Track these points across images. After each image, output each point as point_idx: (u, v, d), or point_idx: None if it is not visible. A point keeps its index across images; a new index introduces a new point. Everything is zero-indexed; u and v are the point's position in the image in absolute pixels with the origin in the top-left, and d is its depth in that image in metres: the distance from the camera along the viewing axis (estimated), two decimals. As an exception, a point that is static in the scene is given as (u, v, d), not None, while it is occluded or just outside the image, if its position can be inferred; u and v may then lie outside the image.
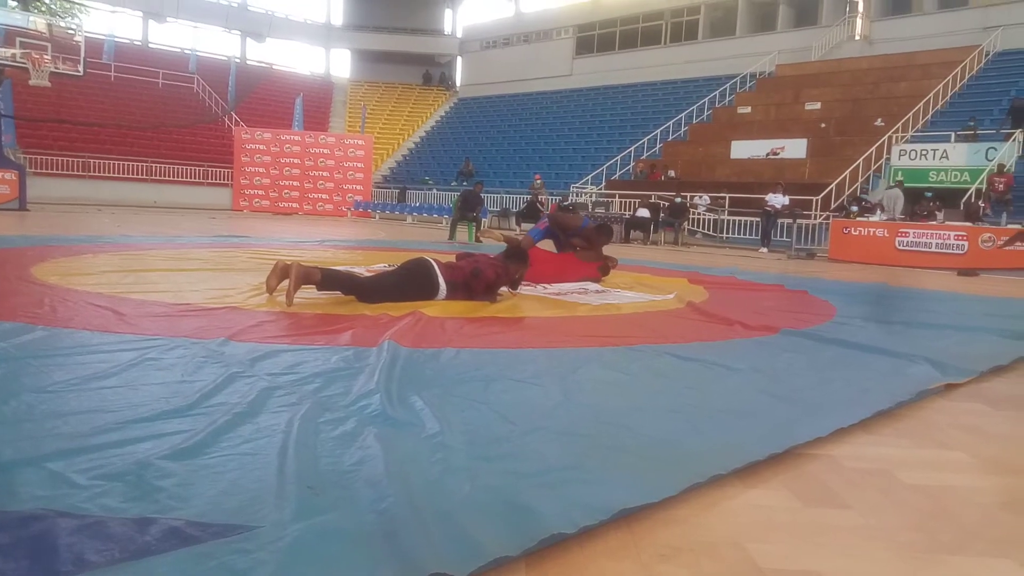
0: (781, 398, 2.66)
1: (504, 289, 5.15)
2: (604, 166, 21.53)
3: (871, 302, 6.26)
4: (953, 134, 16.19)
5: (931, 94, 18.18)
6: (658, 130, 22.61)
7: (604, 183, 20.81)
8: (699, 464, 1.90)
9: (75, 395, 2.26)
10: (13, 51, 16.25)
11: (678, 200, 16.54)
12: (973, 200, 13.75)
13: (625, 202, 18.48)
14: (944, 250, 11.43)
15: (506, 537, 1.43)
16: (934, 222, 12.05)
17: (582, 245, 6.68)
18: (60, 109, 23.41)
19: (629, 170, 21.68)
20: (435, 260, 4.85)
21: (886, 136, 16.99)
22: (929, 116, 18.10)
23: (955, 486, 1.94)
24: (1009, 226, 11.79)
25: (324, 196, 24.47)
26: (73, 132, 23.16)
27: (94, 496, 1.53)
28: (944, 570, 1.47)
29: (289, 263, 4.40)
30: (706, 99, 23.41)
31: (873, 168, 16.86)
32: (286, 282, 4.37)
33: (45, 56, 16.55)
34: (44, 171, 21.69)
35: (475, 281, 4.81)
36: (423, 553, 1.32)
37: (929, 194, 14.45)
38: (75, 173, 22.54)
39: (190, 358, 2.80)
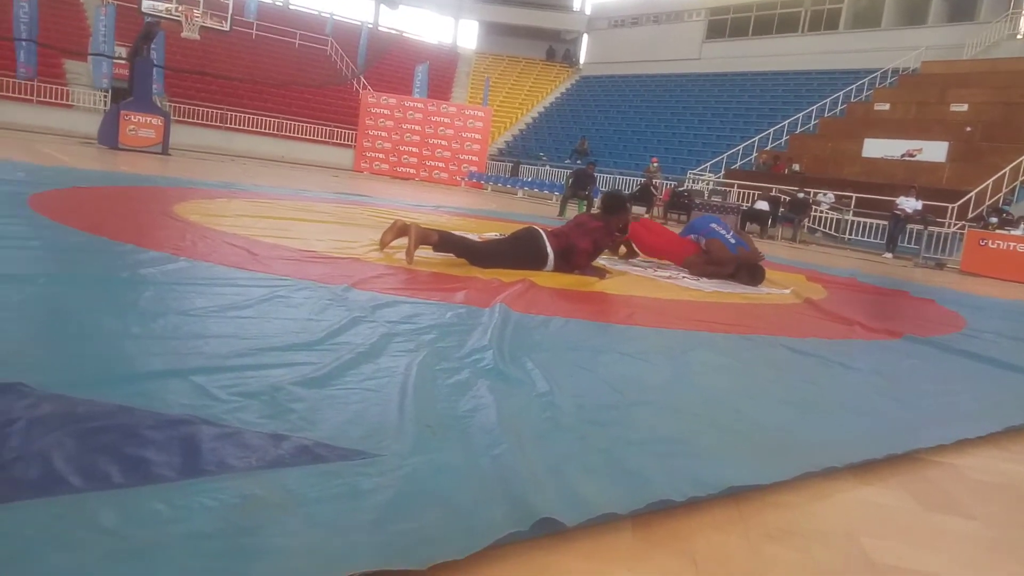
0: (902, 402, 2.55)
1: (602, 263, 5.07)
2: (725, 154, 20.93)
3: (1005, 318, 5.85)
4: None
5: (1098, 103, 16.64)
6: (786, 121, 21.73)
7: (723, 172, 20.24)
8: (812, 455, 1.86)
9: (214, 321, 2.43)
10: (169, 5, 17.28)
11: (800, 195, 15.89)
12: None
13: (743, 193, 17.92)
14: (1095, 273, 10.51)
15: (614, 496, 1.45)
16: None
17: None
18: (204, 62, 24.81)
19: (751, 160, 20.98)
20: (544, 230, 4.90)
21: (1040, 145, 15.70)
22: (1093, 127, 16.58)
23: (1093, 512, 1.81)
24: None
25: (440, 164, 24.89)
26: (214, 84, 24.50)
27: (233, 410, 1.65)
28: (1077, 592, 1.38)
29: (408, 223, 4.55)
30: (840, 93, 22.28)
31: (1021, 178, 15.63)
32: (400, 239, 4.53)
33: (196, 11, 17.52)
34: (185, 119, 23.08)
35: (573, 255, 4.83)
36: (534, 499, 1.36)
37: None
38: (212, 124, 23.89)
39: (316, 299, 2.95)
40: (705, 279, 5.53)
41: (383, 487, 1.36)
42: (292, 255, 4.07)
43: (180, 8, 17.22)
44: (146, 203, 5.90)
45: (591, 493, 1.44)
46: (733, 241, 5.81)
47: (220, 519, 1.18)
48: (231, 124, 24.26)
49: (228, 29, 18.59)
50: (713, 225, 5.98)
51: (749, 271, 5.58)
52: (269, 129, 24.91)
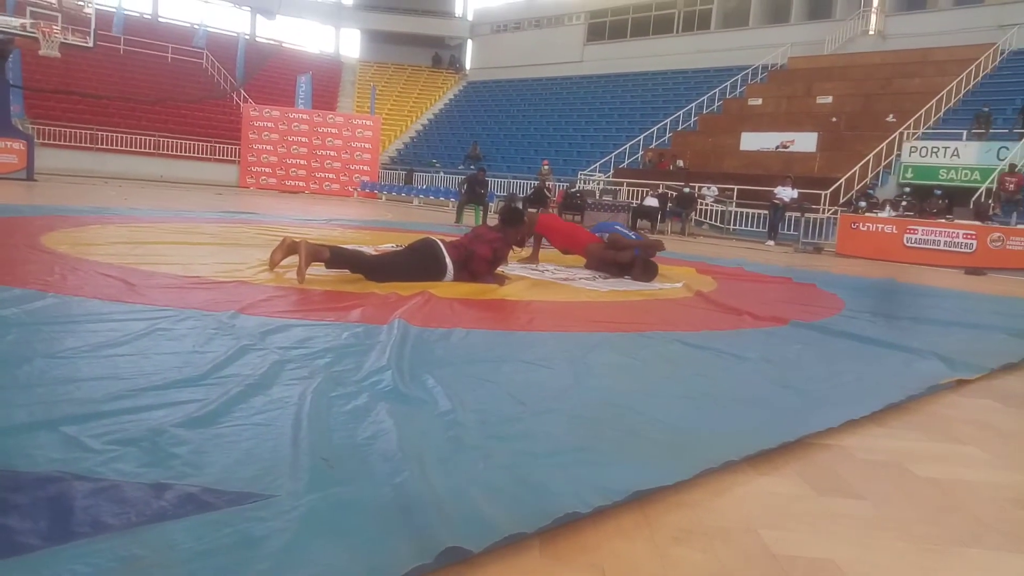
0: (791, 388, 2.66)
1: (502, 269, 5.13)
2: (612, 154, 21.42)
3: (879, 297, 6.24)
4: (965, 132, 16.08)
5: (944, 91, 18.03)
6: (668, 119, 22.47)
7: (612, 171, 20.72)
8: (711, 450, 1.90)
9: (87, 362, 2.26)
10: (24, 21, 16.17)
11: (686, 190, 16.47)
12: (983, 199, 13.67)
13: (633, 191, 18.41)
14: (952, 248, 11.37)
15: (520, 515, 1.43)
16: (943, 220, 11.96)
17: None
18: (68, 81, 23.31)
19: (638, 159, 21.58)
20: (442, 241, 4.85)
21: (897, 132, 16.87)
22: (941, 113, 17.96)
23: (968, 480, 1.93)
24: (1019, 226, 11.73)
25: (331, 176, 24.38)
26: (81, 104, 23.07)
27: (109, 461, 1.53)
28: (959, 562, 1.46)
29: (297, 240, 4.41)
30: (717, 90, 23.24)
31: (883, 164, 16.76)
32: (290, 258, 4.39)
33: (55, 27, 16.46)
34: (51, 142, 21.61)
35: (472, 263, 4.81)
36: (438, 527, 1.32)
37: (938, 192, 14.37)
38: (82, 145, 22.46)
39: (201, 329, 2.80)
40: (600, 279, 5.64)
41: (277, 532, 1.29)
42: (173, 282, 3.86)
43: (37, 24, 16.13)
44: (9, 235, 5.46)
45: (496, 514, 1.41)
46: (632, 236, 6.19)
47: (94, 589, 1.08)
48: (102, 144, 22.89)
49: (92, 45, 17.56)
50: (616, 226, 6.44)
51: (643, 267, 5.75)
52: (145, 148, 23.66)
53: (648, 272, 5.74)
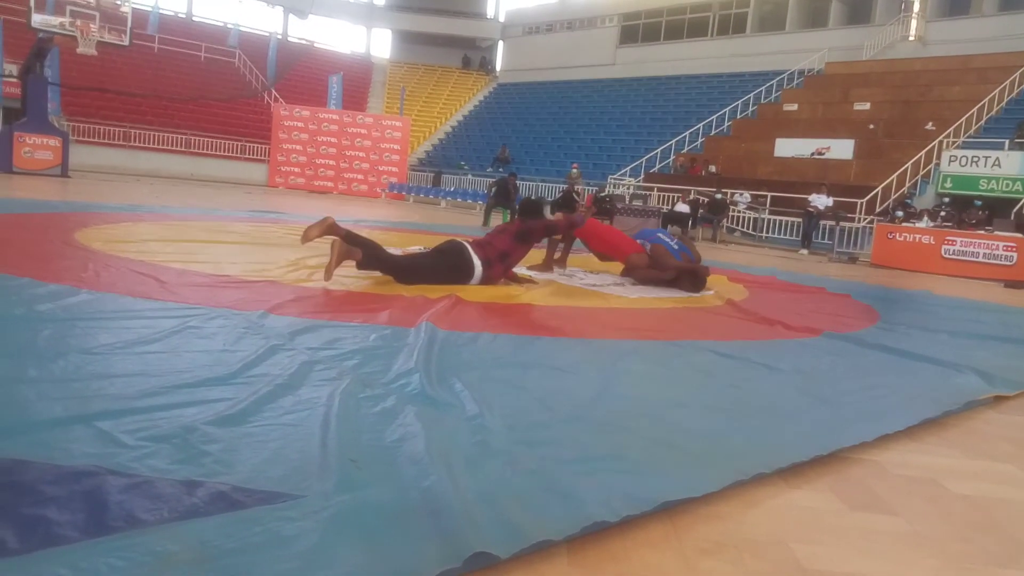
0: (824, 400, 2.61)
1: (530, 274, 5.14)
2: (643, 158, 21.31)
3: (915, 309, 6.13)
4: (1007, 141, 15.74)
5: (986, 99, 17.67)
6: (700, 124, 22.29)
7: (643, 175, 20.62)
8: (742, 462, 1.87)
9: (120, 358, 2.30)
10: (62, 19, 16.49)
11: (718, 196, 16.32)
12: None
13: (664, 196, 18.29)
14: (992, 261, 11.13)
15: (548, 522, 1.42)
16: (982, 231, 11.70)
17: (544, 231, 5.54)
18: (104, 78, 23.72)
19: (669, 163, 21.43)
20: (467, 242, 4.85)
21: (936, 141, 16.56)
22: (983, 122, 17.60)
23: (1005, 499, 1.88)
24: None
25: (359, 176, 24.55)
26: (115, 101, 23.45)
27: (141, 457, 1.55)
28: (997, 583, 1.42)
29: (337, 228, 4.44)
30: (751, 95, 23.00)
31: (921, 173, 16.46)
32: (326, 237, 4.39)
33: (92, 25, 16.78)
34: (86, 139, 22.02)
35: (492, 255, 4.83)
36: (466, 532, 1.32)
37: (978, 202, 14.08)
38: (115, 142, 22.84)
39: (231, 328, 2.83)
40: (630, 284, 5.60)
41: (306, 531, 1.29)
42: (204, 281, 3.91)
43: (75, 23, 16.46)
44: (44, 231, 5.57)
45: (524, 521, 1.41)
46: (676, 247, 5.92)
47: (127, 584, 1.09)
48: (135, 142, 23.29)
49: (128, 43, 17.87)
50: (659, 234, 6.18)
51: (691, 278, 5.61)
52: (176, 146, 24.03)
53: (696, 284, 5.61)
